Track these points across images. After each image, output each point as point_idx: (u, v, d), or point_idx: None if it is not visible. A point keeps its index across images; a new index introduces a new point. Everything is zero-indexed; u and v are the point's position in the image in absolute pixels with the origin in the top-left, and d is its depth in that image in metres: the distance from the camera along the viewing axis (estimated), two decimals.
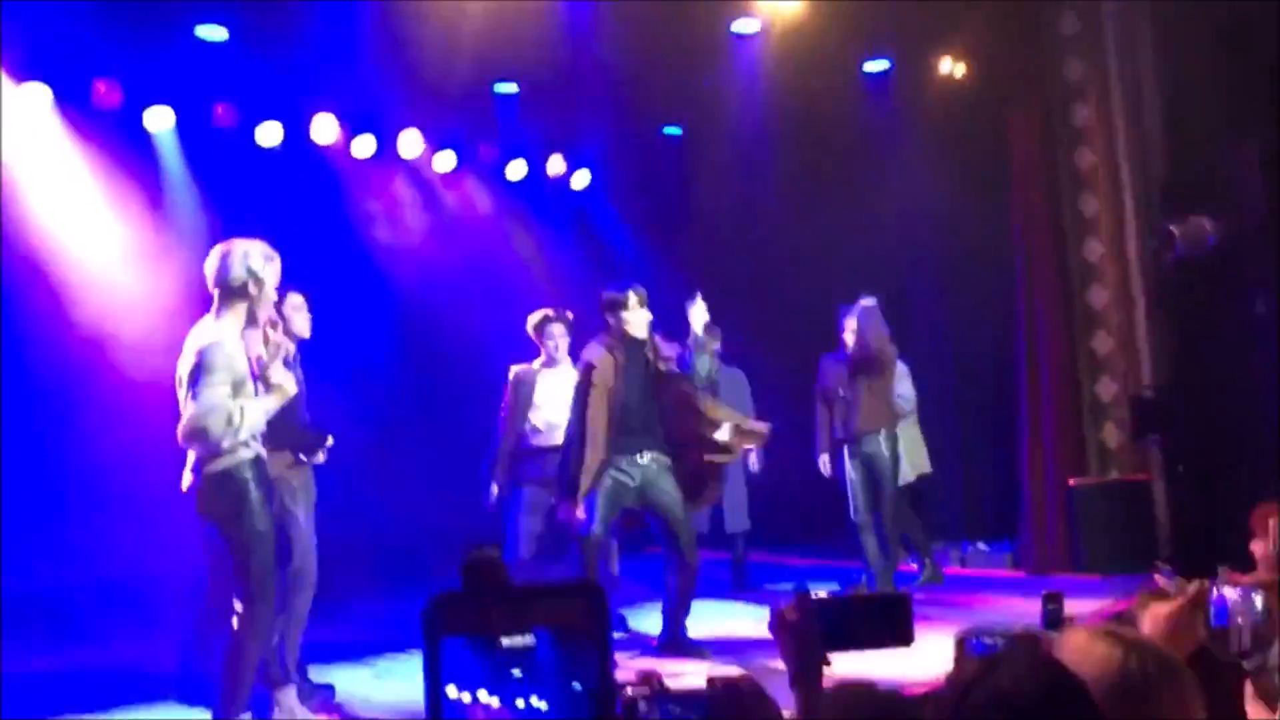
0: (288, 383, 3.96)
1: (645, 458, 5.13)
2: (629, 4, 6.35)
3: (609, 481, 5.08)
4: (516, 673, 0.91)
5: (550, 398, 5.63)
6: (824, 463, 6.67)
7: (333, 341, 7.08)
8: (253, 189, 6.83)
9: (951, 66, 7.36)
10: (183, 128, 6.65)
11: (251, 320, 3.92)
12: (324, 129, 7.11)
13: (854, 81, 7.52)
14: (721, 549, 7.20)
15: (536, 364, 5.82)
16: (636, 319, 5.13)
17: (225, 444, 3.75)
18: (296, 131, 7.08)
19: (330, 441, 4.64)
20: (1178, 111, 6.87)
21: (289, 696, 4.29)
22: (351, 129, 7.27)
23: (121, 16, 5.69)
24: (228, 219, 6.31)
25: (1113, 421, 7.18)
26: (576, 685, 0.92)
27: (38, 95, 5.98)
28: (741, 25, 6.86)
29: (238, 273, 3.86)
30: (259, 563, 3.81)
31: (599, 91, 7.29)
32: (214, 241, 4.07)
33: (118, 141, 6.38)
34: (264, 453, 3.96)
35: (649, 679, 1.48)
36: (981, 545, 7.47)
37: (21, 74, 5.87)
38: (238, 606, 3.81)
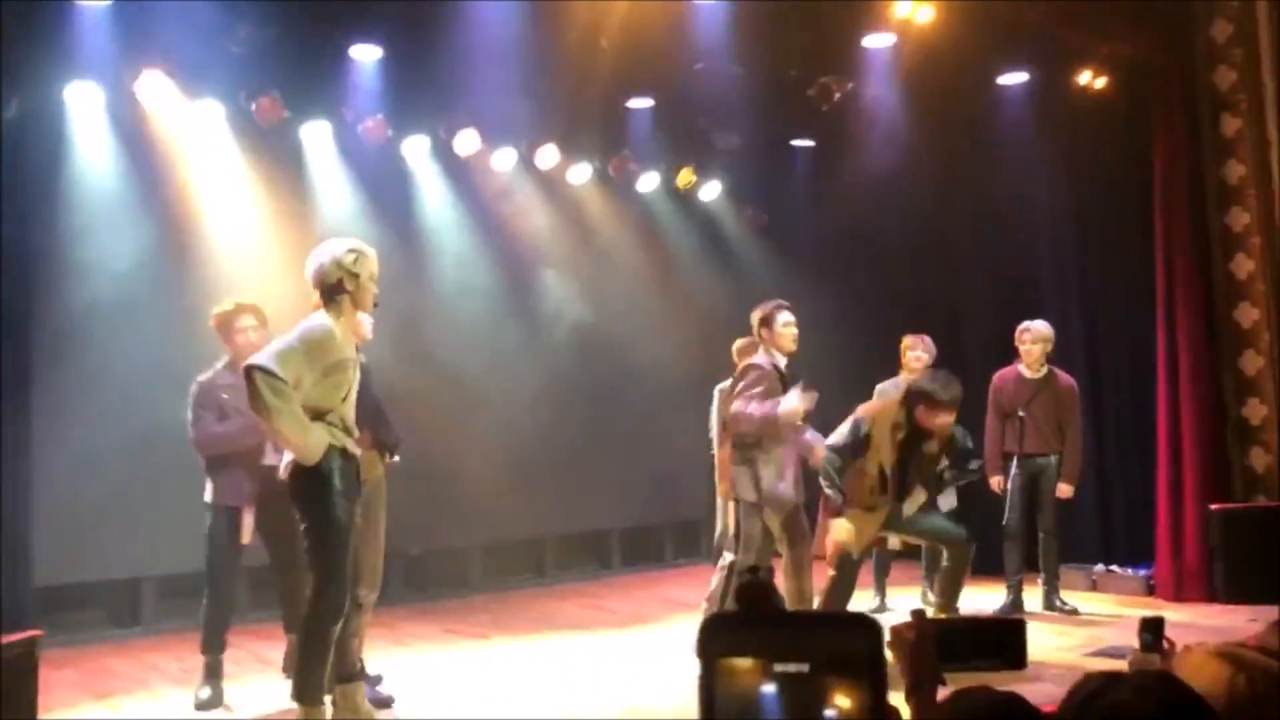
0: None
1: None
2: (761, 20, 6.41)
3: None
4: (785, 700, 0.94)
5: None
6: (996, 483, 6.53)
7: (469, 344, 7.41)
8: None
9: (1091, 78, 7.16)
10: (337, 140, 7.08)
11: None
12: (466, 142, 7.41)
13: (988, 92, 7.39)
14: None
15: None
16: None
17: None
18: (441, 144, 7.42)
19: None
20: None
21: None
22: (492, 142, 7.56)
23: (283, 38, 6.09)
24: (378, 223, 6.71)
25: (1260, 445, 6.88)
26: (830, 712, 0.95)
27: (211, 111, 6.48)
28: (873, 40, 6.83)
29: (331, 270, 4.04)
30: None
31: (730, 105, 7.37)
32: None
33: (279, 152, 6.81)
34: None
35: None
36: (1116, 568, 7.23)
37: (196, 92, 6.33)
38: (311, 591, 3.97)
